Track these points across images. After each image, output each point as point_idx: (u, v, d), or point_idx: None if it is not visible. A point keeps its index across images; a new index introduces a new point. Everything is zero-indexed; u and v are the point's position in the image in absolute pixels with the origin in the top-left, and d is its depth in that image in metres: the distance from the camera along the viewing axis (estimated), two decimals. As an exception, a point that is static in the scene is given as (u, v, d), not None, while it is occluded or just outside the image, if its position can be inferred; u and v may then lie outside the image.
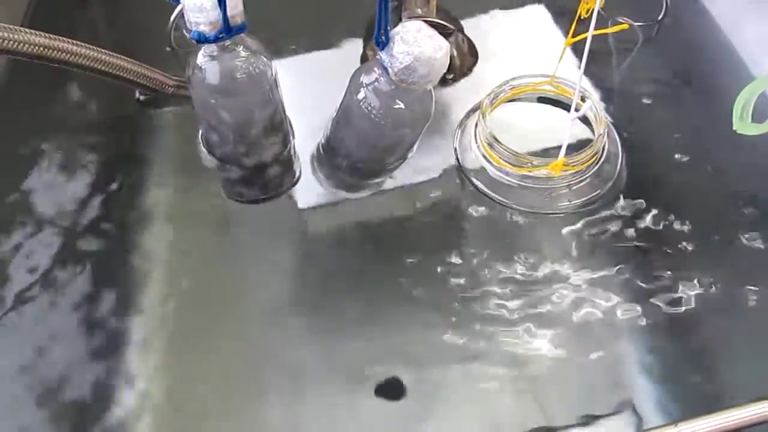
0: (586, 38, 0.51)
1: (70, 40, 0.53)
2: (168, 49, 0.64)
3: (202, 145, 0.59)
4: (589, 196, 0.56)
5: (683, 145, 0.60)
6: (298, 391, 0.48)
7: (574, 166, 0.55)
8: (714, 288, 0.51)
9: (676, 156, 0.59)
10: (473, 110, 0.62)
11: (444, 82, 0.65)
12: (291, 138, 0.60)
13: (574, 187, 0.56)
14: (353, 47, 0.68)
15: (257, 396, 0.48)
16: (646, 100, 0.64)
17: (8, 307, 0.52)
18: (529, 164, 0.55)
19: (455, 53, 0.67)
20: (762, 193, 0.57)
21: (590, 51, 0.67)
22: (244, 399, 0.48)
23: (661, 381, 0.48)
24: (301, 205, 0.58)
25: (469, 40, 0.68)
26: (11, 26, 0.49)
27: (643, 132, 0.61)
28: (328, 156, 0.59)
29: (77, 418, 0.47)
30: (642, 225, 0.55)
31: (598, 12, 0.67)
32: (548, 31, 0.70)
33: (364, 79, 0.50)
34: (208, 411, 0.48)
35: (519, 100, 0.62)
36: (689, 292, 0.51)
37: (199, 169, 0.59)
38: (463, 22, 0.69)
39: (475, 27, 0.69)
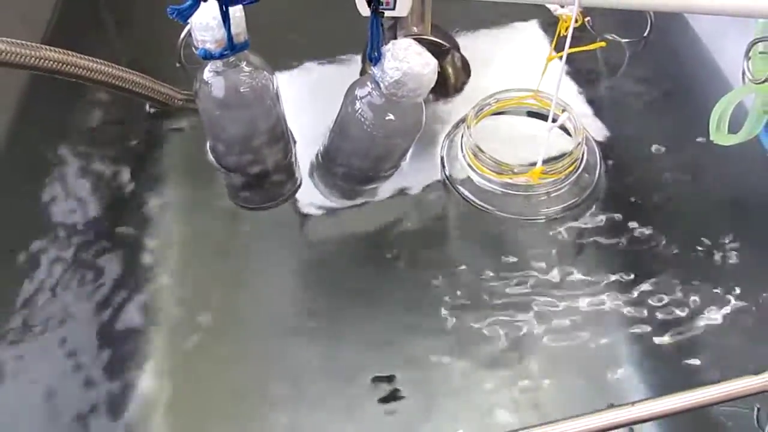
0: (573, 54, 0.54)
1: (86, 57, 0.55)
2: (177, 65, 0.67)
3: (209, 154, 0.61)
4: (567, 203, 0.59)
5: (667, 154, 0.62)
6: (299, 394, 0.50)
7: (552, 174, 0.57)
8: (693, 293, 0.53)
9: (659, 164, 0.62)
10: (461, 121, 0.64)
11: (438, 97, 0.68)
12: (292, 147, 0.62)
13: (553, 195, 0.59)
14: (353, 62, 0.71)
15: (260, 398, 0.50)
16: (632, 112, 0.67)
17: (21, 309, 0.54)
18: (510, 172, 0.57)
19: (450, 70, 0.70)
20: (738, 200, 0.59)
21: (581, 67, 0.71)
22: (247, 401, 0.50)
23: (648, 381, 0.49)
24: (301, 210, 0.60)
25: (464, 58, 0.70)
26: (32, 43, 0.52)
27: (629, 141, 0.64)
28: (326, 164, 0.61)
29: (89, 418, 0.49)
30: (623, 231, 0.57)
31: (589, 28, 0.70)
32: (541, 47, 0.72)
33: (359, 92, 0.53)
34: (211, 413, 0.50)
35: (509, 113, 0.64)
36: (668, 296, 0.53)
37: (206, 177, 0.61)
38: (458, 39, 0.71)
39: (470, 44, 0.72)
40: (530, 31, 0.74)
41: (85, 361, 0.51)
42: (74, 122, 0.66)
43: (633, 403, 0.31)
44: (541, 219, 0.58)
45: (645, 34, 0.72)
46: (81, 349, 0.52)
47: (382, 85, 0.50)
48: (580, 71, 0.70)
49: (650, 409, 0.31)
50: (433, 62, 0.50)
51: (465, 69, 0.70)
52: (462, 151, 0.61)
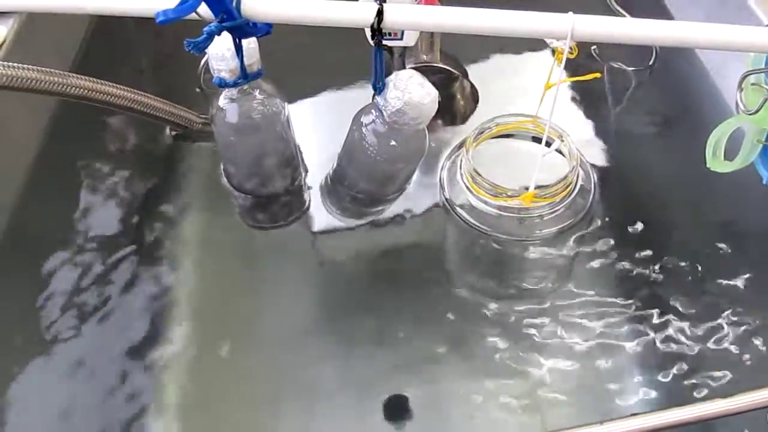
0: (580, 81, 0.57)
1: (112, 84, 0.58)
2: (198, 90, 0.69)
3: (223, 175, 0.64)
4: (560, 226, 0.60)
5: (669, 180, 0.64)
6: (310, 409, 0.51)
7: (544, 198, 0.59)
8: (692, 318, 0.54)
9: (660, 190, 0.63)
10: (461, 144, 0.65)
11: (447, 123, 0.70)
12: (302, 171, 0.64)
13: (547, 218, 0.60)
14: (364, 90, 0.72)
15: (272, 412, 0.51)
16: (636, 139, 0.68)
17: (48, 321, 0.56)
18: (504, 195, 0.59)
19: (459, 97, 0.72)
20: (736, 226, 0.60)
21: (587, 93, 0.72)
22: (259, 415, 0.51)
23: (651, 406, 0.50)
24: (310, 231, 0.62)
25: (473, 85, 0.72)
26: (62, 72, 0.54)
27: (631, 167, 0.65)
28: (335, 187, 0.63)
29: (104, 427, 0.51)
30: (620, 255, 0.58)
31: (595, 56, 0.72)
32: (552, 75, 0.74)
33: (364, 119, 0.56)
34: (224, 424, 0.51)
35: (508, 136, 0.66)
36: (666, 321, 0.54)
37: (220, 197, 0.64)
38: (467, 67, 0.73)
39: (479, 71, 0.73)
40: (539, 58, 0.75)
41: (101, 371, 0.53)
42: (99, 144, 0.69)
43: (602, 422, 0.32)
44: (536, 241, 0.59)
45: (650, 63, 0.73)
46: (98, 360, 0.54)
47: (385, 114, 0.52)
48: (586, 98, 0.71)
49: (619, 429, 0.33)
50: (434, 93, 0.52)
51: (474, 96, 0.72)
52: (461, 174, 0.63)
